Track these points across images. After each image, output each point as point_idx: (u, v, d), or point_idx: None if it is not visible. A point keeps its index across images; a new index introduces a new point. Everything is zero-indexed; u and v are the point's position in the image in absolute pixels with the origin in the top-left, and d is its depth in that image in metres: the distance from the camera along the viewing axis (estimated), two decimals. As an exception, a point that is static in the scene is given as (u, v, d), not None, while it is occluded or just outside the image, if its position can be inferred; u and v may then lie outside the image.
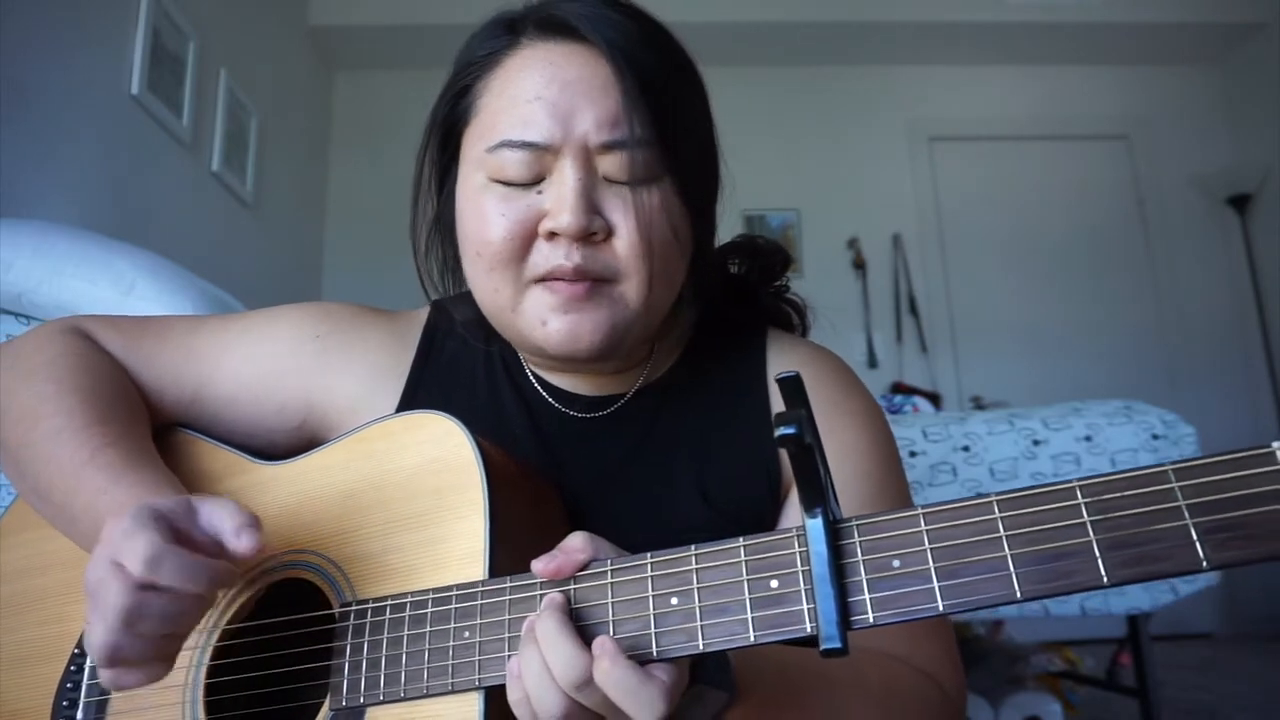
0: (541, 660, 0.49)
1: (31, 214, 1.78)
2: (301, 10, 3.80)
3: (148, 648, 0.53)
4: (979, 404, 3.68)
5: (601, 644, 0.48)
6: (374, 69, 4.15)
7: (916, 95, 4.33)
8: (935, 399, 2.93)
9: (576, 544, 0.53)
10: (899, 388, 3.48)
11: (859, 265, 4.14)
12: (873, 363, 4.04)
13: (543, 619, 0.50)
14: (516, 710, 0.51)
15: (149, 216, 2.42)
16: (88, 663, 0.68)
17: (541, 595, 0.54)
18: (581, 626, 0.51)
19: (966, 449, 1.85)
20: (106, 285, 1.27)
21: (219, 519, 0.56)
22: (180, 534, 0.54)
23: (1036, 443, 1.85)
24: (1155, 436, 1.84)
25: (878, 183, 4.25)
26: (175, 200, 2.61)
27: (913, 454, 1.84)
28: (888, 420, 0.78)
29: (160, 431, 0.77)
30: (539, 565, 0.53)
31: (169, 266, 1.36)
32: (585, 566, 0.53)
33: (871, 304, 4.12)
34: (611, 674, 0.47)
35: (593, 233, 0.65)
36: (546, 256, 0.65)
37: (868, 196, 4.22)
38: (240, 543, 0.54)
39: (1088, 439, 1.85)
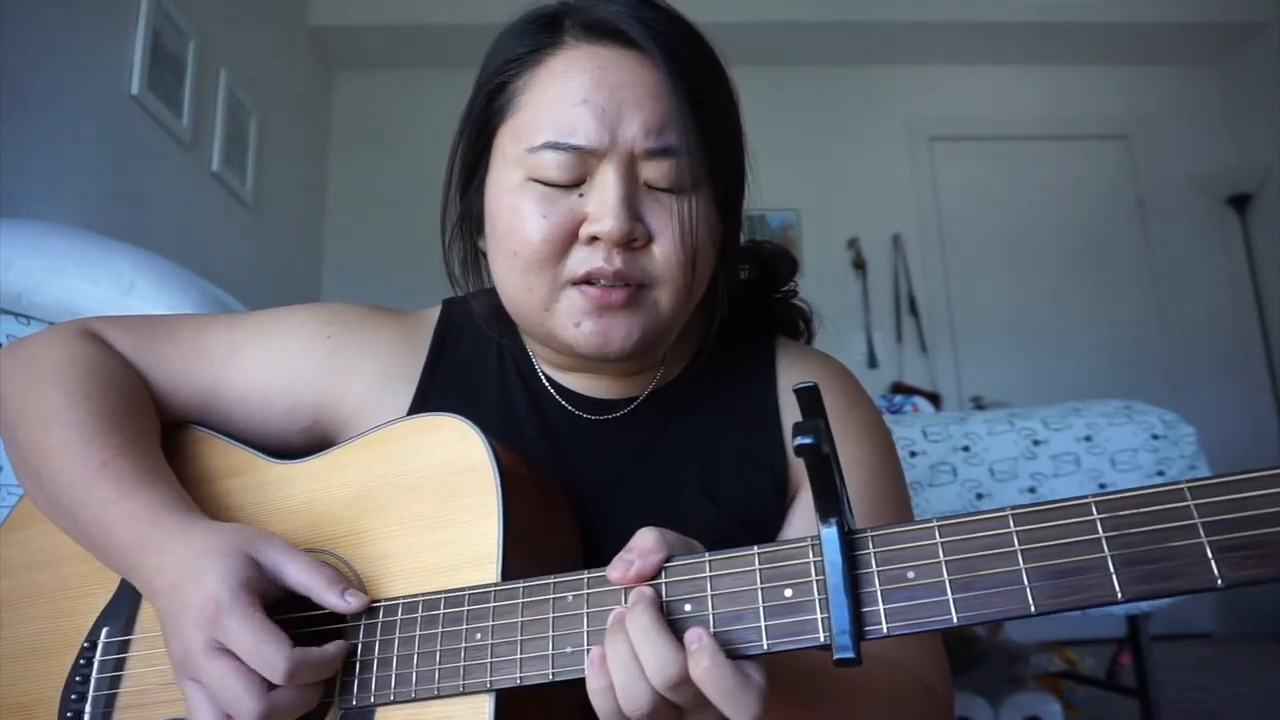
0: (632, 653, 0.48)
1: (31, 214, 1.78)
2: (301, 10, 3.79)
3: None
4: (979, 404, 3.68)
5: (699, 638, 0.47)
6: (374, 69, 4.14)
7: (916, 95, 4.33)
8: (935, 399, 2.93)
9: (649, 544, 0.52)
10: (899, 388, 3.48)
11: (859, 265, 4.15)
12: (873, 363, 4.04)
13: (635, 613, 0.49)
14: (597, 698, 0.50)
15: (149, 216, 2.42)
16: (97, 656, 0.68)
17: (555, 599, 0.54)
18: (594, 631, 0.51)
19: (966, 449, 1.85)
20: (106, 285, 1.26)
21: (294, 576, 0.59)
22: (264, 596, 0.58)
23: (1036, 443, 1.85)
24: (1155, 436, 1.85)
25: (878, 183, 4.24)
26: (175, 200, 2.61)
27: (913, 454, 1.84)
28: (890, 433, 0.79)
29: (173, 428, 0.77)
30: (616, 574, 0.52)
31: (169, 266, 1.36)
32: (662, 565, 0.51)
33: (871, 304, 4.12)
34: (712, 673, 0.46)
35: (634, 239, 0.65)
36: (585, 259, 0.65)
37: (868, 196, 4.22)
38: (350, 605, 0.58)
39: (1088, 439, 1.85)
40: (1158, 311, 4.16)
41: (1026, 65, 4.34)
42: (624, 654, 0.48)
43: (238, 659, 0.54)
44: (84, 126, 2.11)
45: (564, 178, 0.65)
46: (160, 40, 2.46)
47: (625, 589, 0.52)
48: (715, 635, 0.48)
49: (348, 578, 0.61)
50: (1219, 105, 4.33)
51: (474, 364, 0.79)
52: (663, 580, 0.51)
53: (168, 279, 1.31)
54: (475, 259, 0.76)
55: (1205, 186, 4.20)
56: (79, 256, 1.28)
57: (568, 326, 0.67)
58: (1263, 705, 2.51)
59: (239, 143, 3.05)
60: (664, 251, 0.66)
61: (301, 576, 0.58)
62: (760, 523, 0.73)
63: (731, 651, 0.48)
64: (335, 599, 0.58)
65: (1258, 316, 4.02)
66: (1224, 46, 4.26)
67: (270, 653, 0.54)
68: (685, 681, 0.47)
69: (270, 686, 0.55)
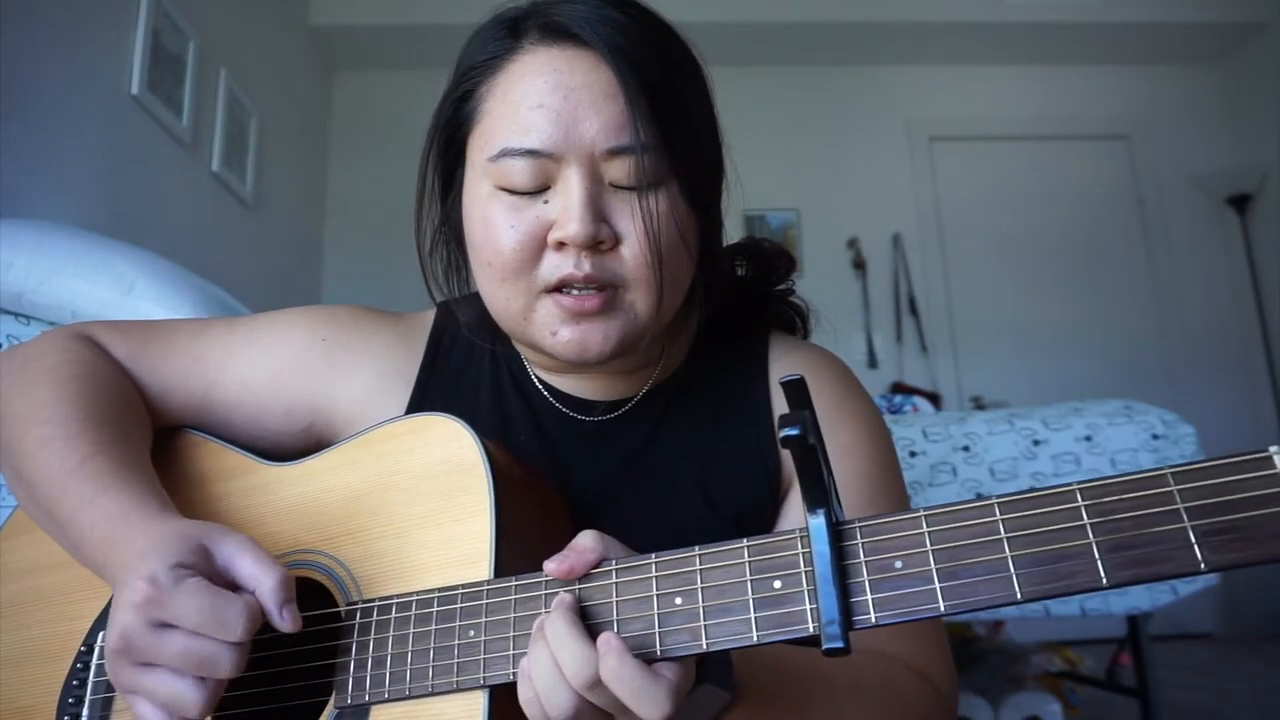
0: (552, 659, 0.49)
1: (31, 214, 1.78)
2: (301, 10, 3.80)
3: (215, 695, 0.55)
4: (979, 404, 3.69)
5: (606, 641, 0.48)
6: (374, 69, 4.15)
7: (916, 95, 4.33)
8: (935, 399, 2.93)
9: (587, 543, 0.54)
10: (899, 388, 3.48)
11: (859, 265, 4.15)
12: (873, 363, 4.04)
13: (552, 618, 0.50)
14: (528, 709, 0.51)
15: (149, 216, 2.42)
16: (93, 660, 0.68)
17: (547, 595, 0.54)
18: (588, 626, 0.51)
19: (966, 449, 1.85)
20: (106, 285, 1.27)
21: (243, 567, 0.56)
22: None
23: (1036, 443, 1.85)
24: (1155, 436, 1.84)
25: (878, 183, 4.25)
26: (175, 200, 2.61)
27: (913, 454, 1.84)
28: (886, 423, 0.79)
29: (169, 431, 0.78)
30: (551, 566, 0.53)
31: (169, 266, 1.36)
32: (596, 566, 0.53)
33: (871, 304, 4.12)
34: (619, 672, 0.47)
35: (600, 241, 0.64)
36: (556, 266, 0.65)
37: (868, 196, 4.22)
38: (285, 623, 0.55)
39: (1088, 439, 1.85)
40: (1158, 311, 4.16)
41: (1026, 65, 4.34)
42: (544, 659, 0.50)
43: (186, 630, 0.53)
44: (84, 126, 2.11)
45: (528, 184, 0.65)
46: (160, 40, 2.46)
47: (614, 586, 0.52)
48: (705, 627, 0.49)
49: (292, 590, 0.57)
50: (1219, 105, 4.33)
51: (468, 368, 0.80)
52: (653, 574, 0.52)
53: (168, 279, 1.32)
54: (461, 265, 0.76)
55: (1205, 186, 4.19)
56: (79, 256, 1.28)
57: (546, 335, 0.67)
58: (1263, 705, 2.51)
59: (239, 143, 3.05)
60: (632, 252, 0.65)
61: (252, 569, 0.56)
62: (755, 520, 0.73)
63: (723, 644, 0.49)
64: (273, 608, 0.55)
65: (1258, 316, 4.02)
66: (1224, 46, 4.26)
67: (231, 612, 0.52)
68: (601, 682, 0.48)
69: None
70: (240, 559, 0.56)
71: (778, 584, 0.48)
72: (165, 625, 0.53)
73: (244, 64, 3.08)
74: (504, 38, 0.68)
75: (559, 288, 0.66)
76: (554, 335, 0.67)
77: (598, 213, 0.64)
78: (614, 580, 0.53)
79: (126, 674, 0.54)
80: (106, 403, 0.71)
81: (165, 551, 0.55)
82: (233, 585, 0.56)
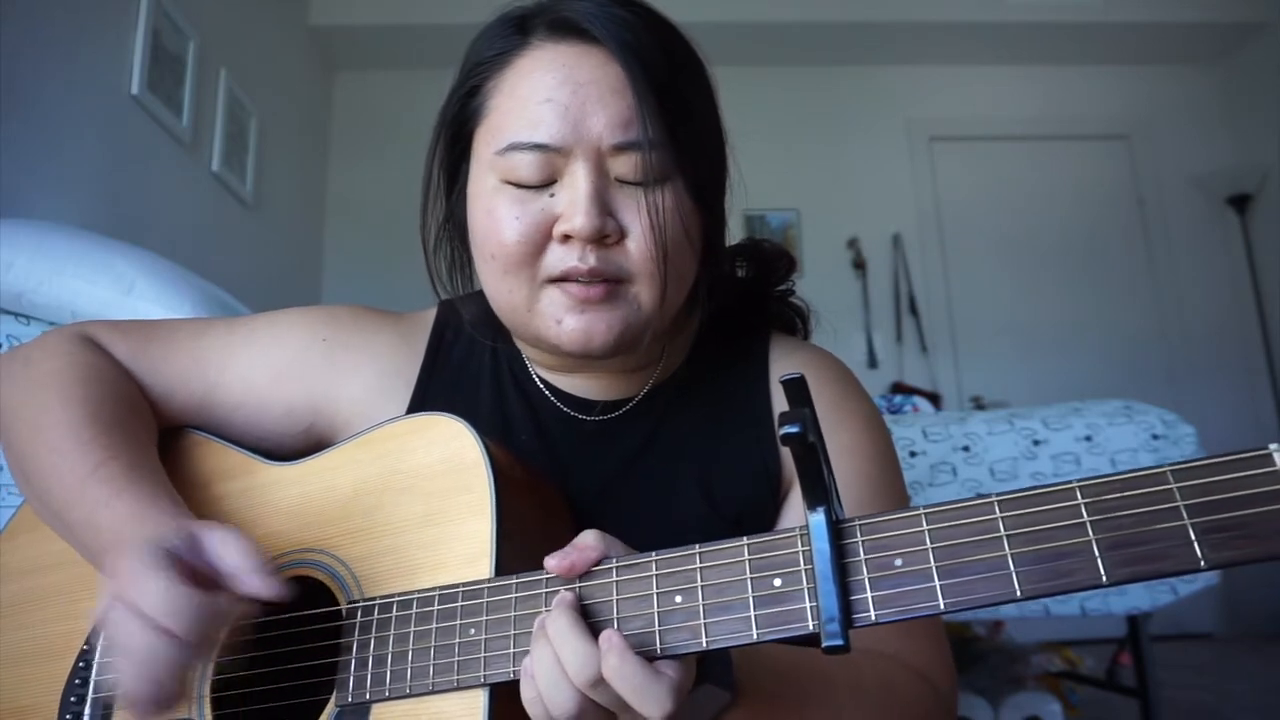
0: (554, 657, 0.49)
1: (31, 214, 1.78)
2: (301, 10, 3.80)
3: (177, 688, 0.53)
4: (979, 404, 3.69)
5: (608, 639, 0.48)
6: (374, 69, 4.15)
7: (916, 95, 4.33)
8: (935, 399, 2.92)
9: (589, 541, 0.54)
10: (899, 388, 3.48)
11: (859, 265, 4.15)
12: (873, 363, 4.04)
13: (554, 616, 0.50)
14: (530, 708, 0.51)
15: (149, 216, 2.42)
16: (95, 659, 0.68)
17: (548, 593, 0.54)
18: (589, 624, 0.51)
19: (966, 449, 1.85)
20: (106, 285, 1.27)
21: (228, 556, 0.56)
22: (187, 568, 0.55)
23: (1036, 443, 1.85)
24: (1155, 436, 1.84)
25: (877, 183, 4.25)
26: (175, 200, 2.61)
27: (913, 454, 1.84)
28: (886, 423, 0.79)
29: (171, 431, 0.78)
30: (552, 562, 0.53)
31: (169, 266, 1.36)
32: (597, 564, 0.53)
33: (871, 304, 4.13)
34: (620, 669, 0.47)
35: (605, 235, 0.65)
36: (561, 258, 0.65)
37: (868, 196, 4.23)
38: (259, 585, 0.54)
39: (1088, 439, 1.85)
40: (1158, 311, 4.16)
41: (1026, 65, 4.34)
42: (546, 657, 0.50)
43: (147, 616, 0.52)
44: (84, 126, 2.11)
45: (534, 178, 0.65)
46: (160, 40, 2.46)
47: (615, 584, 0.52)
48: (705, 625, 0.49)
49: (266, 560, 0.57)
50: (1219, 105, 4.33)
51: (469, 364, 0.80)
52: (654, 572, 0.52)
53: (168, 279, 1.32)
54: (465, 262, 0.76)
55: (1205, 186, 4.19)
56: (79, 256, 1.28)
57: (550, 325, 0.67)
58: (1263, 705, 2.50)
59: (239, 143, 3.05)
60: (637, 246, 0.66)
61: (216, 550, 0.56)
62: (755, 520, 0.73)
63: (722, 643, 0.49)
64: (251, 581, 0.55)
65: (1258, 316, 4.02)
66: (1224, 46, 4.26)
67: (152, 588, 0.51)
68: (603, 680, 0.48)
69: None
70: (225, 549, 0.56)
71: (777, 582, 0.48)
72: (139, 612, 0.52)
73: (244, 64, 3.08)
74: (512, 34, 0.69)
75: (562, 279, 0.66)
76: (559, 324, 0.67)
77: (604, 206, 0.64)
78: (614, 578, 0.53)
79: (117, 665, 0.54)
80: (113, 405, 0.71)
81: (153, 537, 0.55)
82: (212, 570, 0.56)
